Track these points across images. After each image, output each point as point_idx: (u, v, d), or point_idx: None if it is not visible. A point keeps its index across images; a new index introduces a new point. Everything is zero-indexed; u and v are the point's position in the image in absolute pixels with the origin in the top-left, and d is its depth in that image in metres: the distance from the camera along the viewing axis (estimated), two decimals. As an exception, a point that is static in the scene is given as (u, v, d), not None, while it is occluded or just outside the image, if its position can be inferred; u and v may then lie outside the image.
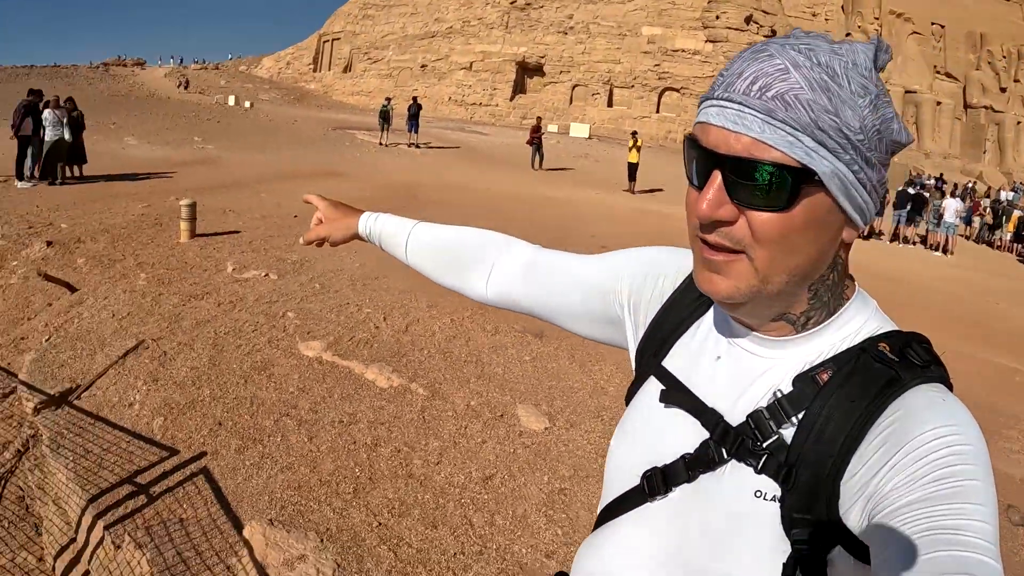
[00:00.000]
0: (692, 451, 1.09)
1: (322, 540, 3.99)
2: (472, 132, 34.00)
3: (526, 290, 1.48)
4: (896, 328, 1.09)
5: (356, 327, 7.50)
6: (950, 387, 1.02)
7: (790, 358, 1.07)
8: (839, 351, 1.05)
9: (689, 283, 1.25)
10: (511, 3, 44.09)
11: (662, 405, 1.17)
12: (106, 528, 4.19)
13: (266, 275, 9.45)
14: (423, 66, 46.40)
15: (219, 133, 30.85)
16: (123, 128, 29.84)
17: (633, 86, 43.69)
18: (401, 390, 5.97)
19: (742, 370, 1.10)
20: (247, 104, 45.85)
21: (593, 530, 1.28)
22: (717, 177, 0.96)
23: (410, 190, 16.52)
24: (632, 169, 22.13)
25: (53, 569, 4.52)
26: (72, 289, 9.37)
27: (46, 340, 7.87)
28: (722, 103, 0.96)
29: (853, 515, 0.94)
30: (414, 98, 30.19)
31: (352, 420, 5.47)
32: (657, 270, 1.33)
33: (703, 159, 0.99)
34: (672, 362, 1.21)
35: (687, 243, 1.13)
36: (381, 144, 28.55)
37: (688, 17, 40.54)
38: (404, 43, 48.41)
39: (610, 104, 46.19)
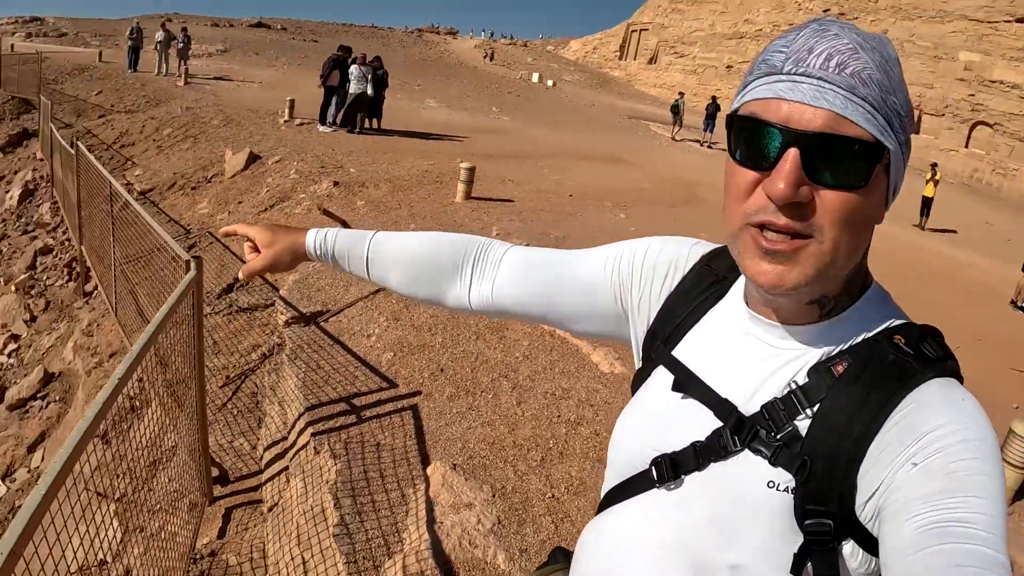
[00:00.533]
0: (703, 439, 1.10)
1: (493, 495, 4.14)
2: (768, 140, 33.23)
3: (520, 292, 1.43)
4: (910, 320, 1.10)
5: (595, 310, 7.62)
6: (961, 381, 1.02)
7: (806, 349, 1.08)
8: (855, 342, 1.06)
9: (698, 272, 1.27)
10: (824, 11, 41.97)
11: (672, 394, 1.17)
12: (313, 435, 4.63)
13: (527, 244, 9.81)
14: (728, 67, 45.59)
15: (516, 106, 32.27)
16: (426, 91, 32.07)
17: (943, 115, 40.08)
18: (620, 378, 6.01)
19: (757, 361, 1.11)
20: (550, 83, 47.48)
21: (597, 513, 1.30)
22: (794, 154, 0.93)
23: (691, 188, 16.40)
24: (925, 204, 20.46)
25: (260, 458, 5.07)
26: (346, 226, 10.20)
27: (312, 266, 8.69)
28: (796, 78, 0.95)
29: (866, 508, 0.96)
30: (713, 98, 29.82)
31: (564, 395, 5.59)
32: (664, 260, 1.32)
33: (772, 136, 0.95)
34: (682, 352, 1.21)
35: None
36: (672, 138, 28.56)
37: (1010, 46, 36.10)
38: (711, 41, 47.80)
39: (916, 131, 42.87)
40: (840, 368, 1.02)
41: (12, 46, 31.74)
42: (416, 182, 13.06)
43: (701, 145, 27.67)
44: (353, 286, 7.75)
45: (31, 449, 6.53)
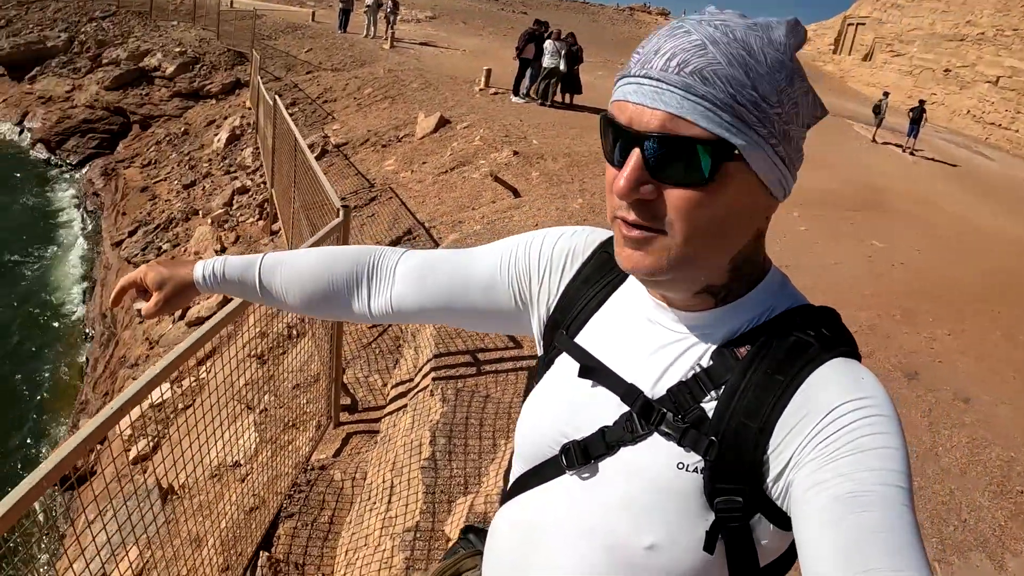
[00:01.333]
0: (611, 424, 1.14)
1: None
2: (977, 153, 30.65)
3: (419, 298, 1.45)
4: (808, 303, 1.15)
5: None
6: (859, 359, 1.08)
7: (709, 334, 1.12)
8: (756, 325, 1.11)
9: (601, 259, 1.31)
10: (1057, 15, 37.06)
11: (578, 380, 1.21)
12: (434, 379, 5.02)
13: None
14: (946, 70, 41.61)
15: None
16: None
17: None
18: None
19: (661, 346, 1.15)
20: (757, 72, 46.15)
21: (505, 500, 1.35)
22: (636, 155, 0.98)
23: (878, 194, 15.70)
24: None
25: (387, 395, 5.58)
26: (516, 195, 10.62)
27: (475, 229, 9.14)
28: (639, 80, 0.98)
29: (776, 484, 1.01)
30: (921, 101, 27.93)
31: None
32: (561, 249, 1.36)
33: (621, 137, 1.01)
34: (586, 338, 1.25)
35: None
36: (873, 141, 27.23)
37: None
38: (930, 41, 43.64)
39: None
40: (743, 351, 1.07)
41: (231, 2, 34.29)
42: (594, 159, 13.21)
43: (903, 151, 26.23)
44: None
45: (200, 363, 7.28)
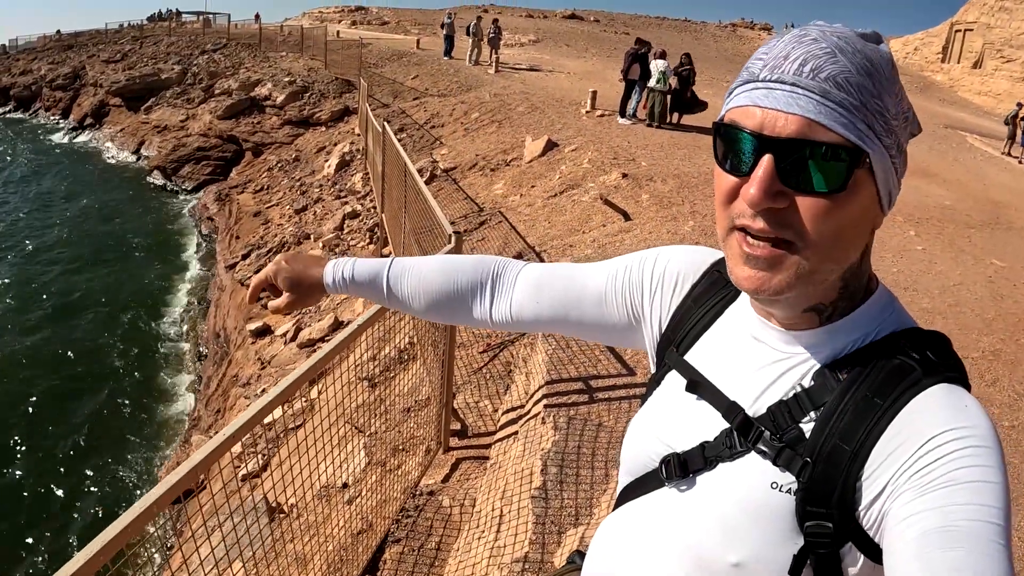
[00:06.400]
0: (711, 439, 1.16)
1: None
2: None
3: (536, 307, 1.49)
4: (916, 326, 1.12)
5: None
6: (968, 387, 1.04)
7: (812, 353, 1.11)
8: (860, 347, 1.09)
9: (712, 278, 1.32)
10: None
11: (683, 396, 1.23)
12: (545, 407, 4.97)
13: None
14: None
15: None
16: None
17: None
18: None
19: (764, 364, 1.15)
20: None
21: (613, 510, 1.37)
22: (768, 161, 0.97)
23: (997, 209, 14.91)
24: None
25: (497, 421, 5.55)
26: (627, 218, 10.51)
27: (585, 253, 9.09)
28: (771, 85, 0.98)
29: (868, 512, 0.99)
30: (1020, 105, 26.73)
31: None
32: (674, 269, 1.37)
33: (749, 143, 0.99)
34: (694, 356, 1.26)
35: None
36: (1008, 154, 26.00)
37: None
38: None
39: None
40: (845, 372, 1.06)
41: (338, 32, 35.73)
42: (704, 180, 13.03)
43: (1020, 162, 24.91)
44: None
45: (312, 383, 7.41)
